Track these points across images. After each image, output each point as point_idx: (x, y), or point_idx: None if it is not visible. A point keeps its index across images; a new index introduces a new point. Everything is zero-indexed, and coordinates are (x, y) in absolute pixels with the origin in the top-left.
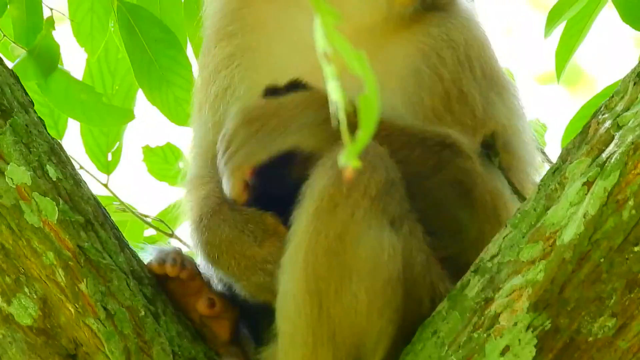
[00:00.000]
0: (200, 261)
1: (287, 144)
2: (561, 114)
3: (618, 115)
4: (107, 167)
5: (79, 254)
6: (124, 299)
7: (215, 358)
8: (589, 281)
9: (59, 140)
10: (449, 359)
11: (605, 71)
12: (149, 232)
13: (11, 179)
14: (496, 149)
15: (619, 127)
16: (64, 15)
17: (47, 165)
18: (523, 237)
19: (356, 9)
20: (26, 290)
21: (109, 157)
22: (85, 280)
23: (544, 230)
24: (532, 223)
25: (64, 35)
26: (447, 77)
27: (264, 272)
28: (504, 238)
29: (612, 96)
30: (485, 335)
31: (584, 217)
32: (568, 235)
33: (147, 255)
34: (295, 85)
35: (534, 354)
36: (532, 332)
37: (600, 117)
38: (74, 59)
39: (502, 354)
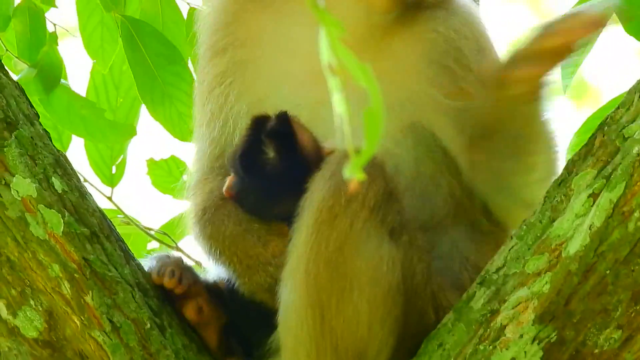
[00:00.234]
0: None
1: None
2: (566, 127)
3: (623, 127)
4: (111, 180)
5: (85, 266)
6: (129, 311)
7: None
8: (594, 293)
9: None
10: None
11: (610, 84)
12: (153, 244)
13: (17, 191)
14: None
15: (624, 139)
16: (67, 30)
17: (53, 178)
18: (529, 249)
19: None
20: (32, 302)
21: (113, 170)
22: (90, 292)
23: (549, 242)
24: (538, 235)
25: (66, 49)
26: (459, 72)
27: (265, 273)
28: (509, 250)
29: (618, 108)
30: (491, 347)
31: (590, 228)
32: (574, 247)
33: (148, 262)
34: (283, 119)
35: None
36: (538, 344)
37: (605, 128)
38: (77, 72)
39: None
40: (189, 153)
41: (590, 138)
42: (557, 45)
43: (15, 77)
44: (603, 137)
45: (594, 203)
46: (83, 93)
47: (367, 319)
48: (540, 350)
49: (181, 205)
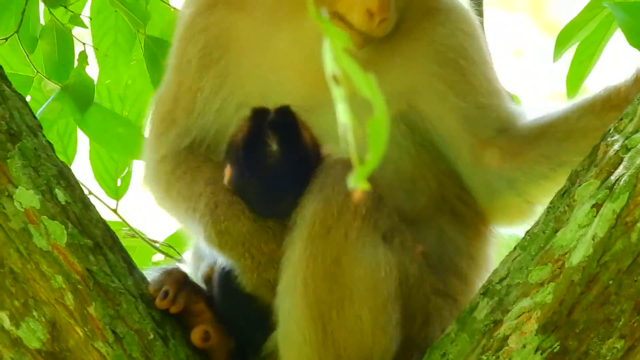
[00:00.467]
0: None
1: None
2: None
3: (627, 138)
4: (117, 193)
5: (88, 277)
6: (132, 322)
7: None
8: (597, 303)
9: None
10: None
11: None
12: (158, 257)
13: (20, 202)
14: None
15: (627, 149)
16: (97, 49)
17: (56, 189)
18: (532, 259)
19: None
20: (35, 313)
21: (119, 183)
22: (94, 303)
23: (552, 253)
24: (541, 245)
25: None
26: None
27: (276, 270)
28: (512, 260)
29: (621, 118)
30: (494, 357)
31: (593, 239)
32: (577, 257)
33: (152, 274)
34: (283, 112)
35: None
36: (541, 354)
37: (609, 139)
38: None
39: None
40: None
41: (593, 148)
42: None
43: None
44: (606, 148)
45: (597, 214)
46: None
47: (370, 327)
48: None
49: None
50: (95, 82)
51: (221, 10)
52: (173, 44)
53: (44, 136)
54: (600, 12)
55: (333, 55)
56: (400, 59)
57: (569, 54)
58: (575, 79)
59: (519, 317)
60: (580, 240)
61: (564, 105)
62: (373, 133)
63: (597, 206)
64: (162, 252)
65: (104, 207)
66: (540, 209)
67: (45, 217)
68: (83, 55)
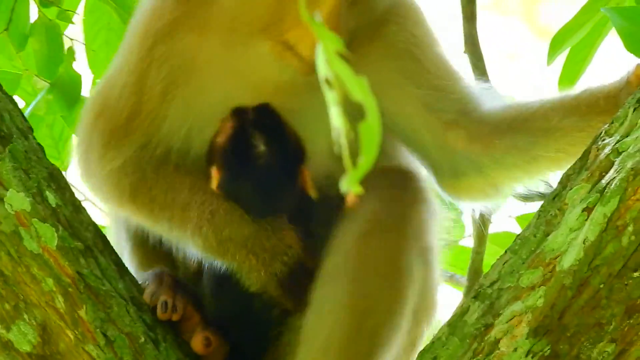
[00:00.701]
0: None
1: None
2: None
3: (618, 141)
4: None
5: (79, 280)
6: (123, 325)
7: None
8: (588, 307)
9: (62, 170)
10: None
11: None
12: None
13: (10, 205)
14: None
15: (618, 153)
16: (83, 44)
17: (47, 192)
18: (523, 263)
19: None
20: (25, 316)
21: None
22: (84, 306)
23: (543, 256)
24: (532, 249)
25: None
26: (424, 61)
27: (282, 262)
28: (503, 264)
29: (612, 122)
30: None
31: (584, 243)
32: (568, 261)
33: (143, 278)
34: (263, 109)
35: None
36: (532, 358)
37: (600, 143)
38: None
39: None
40: None
41: (584, 152)
42: None
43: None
44: (597, 152)
45: (588, 217)
46: None
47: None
48: None
49: None
50: (91, 81)
51: (183, 37)
52: (128, 47)
53: (34, 138)
54: (594, 16)
55: (325, 59)
56: (357, 66)
57: (562, 57)
58: (567, 81)
59: (510, 320)
60: (571, 244)
61: (540, 99)
62: (365, 136)
63: (588, 210)
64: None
65: (98, 211)
66: (507, 192)
67: (36, 219)
68: (71, 52)
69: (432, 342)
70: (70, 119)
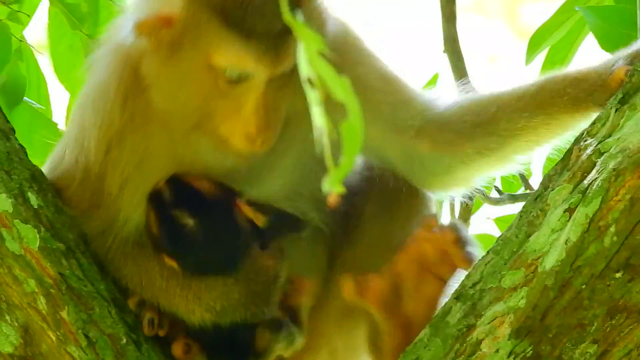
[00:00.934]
0: None
1: None
2: None
3: (600, 142)
4: None
5: (61, 281)
6: (105, 326)
7: None
8: (570, 308)
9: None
10: None
11: None
12: None
13: None
14: None
15: (600, 154)
16: (32, 47)
17: (29, 193)
18: (505, 263)
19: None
20: (7, 318)
21: None
22: (66, 307)
23: (525, 257)
24: (514, 250)
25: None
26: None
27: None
28: (485, 265)
29: (594, 122)
30: None
31: (566, 243)
32: (550, 262)
33: None
34: (173, 182)
35: None
36: (514, 358)
37: (582, 143)
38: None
39: None
40: None
41: (566, 153)
42: None
43: None
44: (579, 152)
45: (570, 218)
46: (64, 112)
47: None
48: None
49: None
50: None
51: (132, 139)
52: (82, 139)
53: (16, 139)
54: (572, 15)
55: (307, 59)
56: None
57: (543, 57)
58: None
59: (492, 321)
60: (553, 244)
61: (499, 94)
62: (347, 137)
63: (570, 210)
64: None
65: None
66: (481, 182)
67: (18, 220)
68: (18, 52)
69: (415, 344)
70: (11, 119)
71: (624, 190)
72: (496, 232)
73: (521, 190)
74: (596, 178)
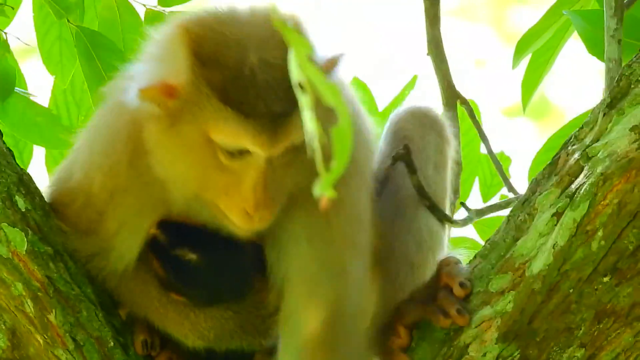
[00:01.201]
0: None
1: None
2: (529, 147)
3: (587, 147)
4: None
5: (48, 284)
6: (93, 329)
7: None
8: (558, 312)
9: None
10: None
11: (574, 104)
12: None
13: None
14: (413, 165)
15: (588, 158)
16: (19, 39)
17: (16, 196)
18: (492, 267)
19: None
20: None
21: None
22: (54, 311)
23: (513, 261)
24: (502, 254)
25: (30, 67)
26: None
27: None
28: (473, 269)
29: (582, 127)
30: None
31: (553, 248)
32: (537, 266)
33: None
34: (166, 226)
35: None
36: None
37: (569, 148)
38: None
39: None
40: None
41: (554, 157)
42: None
43: None
44: (567, 157)
45: (557, 222)
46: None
47: None
48: None
49: None
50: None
51: (136, 194)
52: (84, 177)
53: (4, 143)
54: (559, 19)
55: (298, 64)
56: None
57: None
58: (530, 84)
59: (479, 325)
60: (540, 248)
61: None
62: (337, 141)
63: (558, 215)
64: None
65: None
66: None
67: (6, 224)
68: (4, 44)
69: None
70: (2, 110)
71: (612, 195)
72: (476, 236)
73: (504, 190)
74: (584, 182)
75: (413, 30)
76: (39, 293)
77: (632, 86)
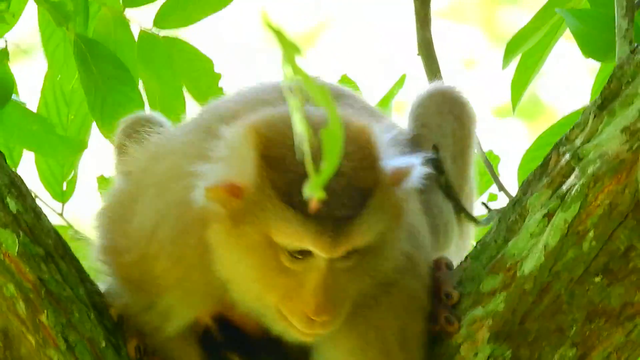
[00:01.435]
0: None
1: None
2: (519, 147)
3: (578, 147)
4: (62, 196)
5: (40, 286)
6: (85, 330)
7: None
8: (549, 312)
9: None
10: None
11: (566, 104)
12: None
13: None
14: (442, 167)
15: (579, 159)
16: (19, 47)
17: (8, 198)
18: (484, 268)
19: None
20: None
21: (64, 186)
22: (46, 312)
23: (504, 262)
24: (493, 254)
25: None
26: None
27: None
28: (464, 269)
29: (573, 128)
30: None
31: (545, 248)
32: (528, 266)
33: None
34: (224, 322)
35: None
36: None
37: (560, 149)
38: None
39: None
40: None
41: (545, 158)
42: None
43: None
44: (558, 157)
45: (548, 223)
46: (34, 109)
47: None
48: None
49: None
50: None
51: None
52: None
53: None
54: (550, 19)
55: (288, 66)
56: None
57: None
58: (520, 83)
59: (471, 325)
60: (531, 249)
61: None
62: (327, 143)
63: (549, 215)
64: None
65: (50, 210)
66: None
67: None
68: (3, 52)
69: None
70: (0, 119)
71: (603, 196)
72: None
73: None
74: (575, 183)
75: (403, 30)
76: (30, 294)
77: (623, 87)
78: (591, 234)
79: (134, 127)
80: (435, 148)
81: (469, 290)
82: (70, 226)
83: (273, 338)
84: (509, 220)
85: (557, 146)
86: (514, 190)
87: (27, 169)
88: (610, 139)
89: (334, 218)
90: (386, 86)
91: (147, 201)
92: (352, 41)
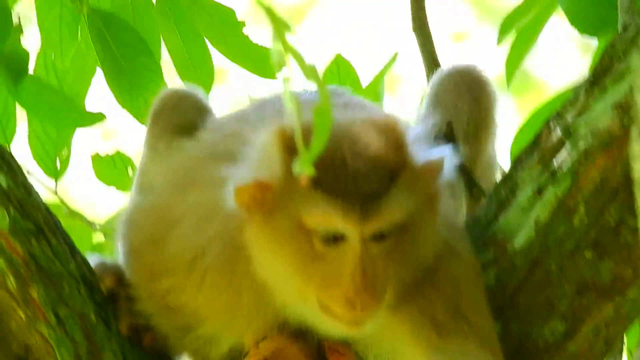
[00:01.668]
0: None
1: None
2: (508, 121)
3: (570, 123)
4: (55, 173)
5: (30, 261)
6: (75, 305)
7: None
8: (540, 286)
9: (6, 144)
10: None
11: (556, 79)
12: (100, 237)
13: None
14: (474, 179)
15: (570, 135)
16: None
17: None
18: (475, 243)
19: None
20: None
21: (57, 163)
22: (36, 286)
23: (495, 237)
24: (484, 230)
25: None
26: None
27: None
28: None
29: (564, 104)
30: None
31: (535, 223)
32: (519, 241)
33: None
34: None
35: None
36: None
37: (552, 124)
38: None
39: None
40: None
41: (536, 133)
42: None
43: None
44: (549, 133)
45: (539, 198)
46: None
47: None
48: None
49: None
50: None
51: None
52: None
53: None
54: None
55: (278, 42)
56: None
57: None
58: (514, 59)
59: None
60: (522, 224)
61: None
62: (317, 120)
63: (540, 190)
64: (102, 233)
65: (42, 187)
66: None
67: None
68: (18, 27)
69: None
70: (16, 95)
71: (594, 171)
72: None
73: None
74: (566, 159)
75: (396, 6)
76: (20, 269)
77: (615, 64)
78: (582, 208)
79: (164, 108)
80: (450, 126)
81: None
82: (64, 203)
83: None
84: (500, 195)
85: (548, 122)
86: (505, 166)
87: (20, 146)
88: (601, 115)
89: (361, 195)
90: (379, 63)
91: (183, 232)
92: (342, 16)
